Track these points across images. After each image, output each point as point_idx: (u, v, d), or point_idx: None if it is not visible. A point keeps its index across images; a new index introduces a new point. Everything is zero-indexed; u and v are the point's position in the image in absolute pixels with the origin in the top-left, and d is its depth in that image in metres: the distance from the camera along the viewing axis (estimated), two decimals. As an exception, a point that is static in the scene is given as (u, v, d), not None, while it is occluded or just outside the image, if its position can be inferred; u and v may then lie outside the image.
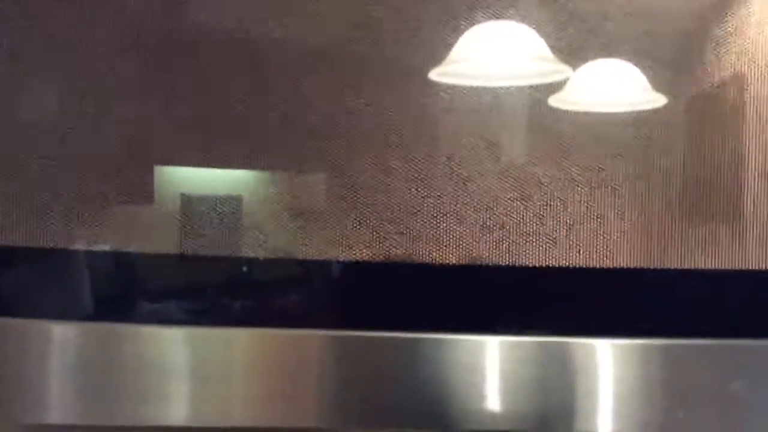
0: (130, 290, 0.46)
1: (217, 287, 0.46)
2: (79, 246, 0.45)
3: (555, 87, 0.46)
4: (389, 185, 0.45)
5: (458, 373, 0.45)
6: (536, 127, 0.46)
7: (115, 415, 0.45)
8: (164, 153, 0.45)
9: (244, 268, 0.46)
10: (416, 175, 0.45)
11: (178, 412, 0.45)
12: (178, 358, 0.45)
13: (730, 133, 0.45)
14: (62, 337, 0.45)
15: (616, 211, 0.45)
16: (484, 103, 0.46)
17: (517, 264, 0.45)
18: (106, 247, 0.45)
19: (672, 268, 0.46)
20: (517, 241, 0.45)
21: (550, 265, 0.45)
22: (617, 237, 0.45)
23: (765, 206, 0.45)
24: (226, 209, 0.45)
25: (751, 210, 0.45)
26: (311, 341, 0.45)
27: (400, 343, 0.45)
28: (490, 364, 0.45)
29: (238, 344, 0.45)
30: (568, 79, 0.46)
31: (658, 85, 0.45)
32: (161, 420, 0.45)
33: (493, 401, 0.45)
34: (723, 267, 0.45)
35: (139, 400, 0.45)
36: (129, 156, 0.45)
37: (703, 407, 0.46)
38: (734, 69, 0.45)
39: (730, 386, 0.45)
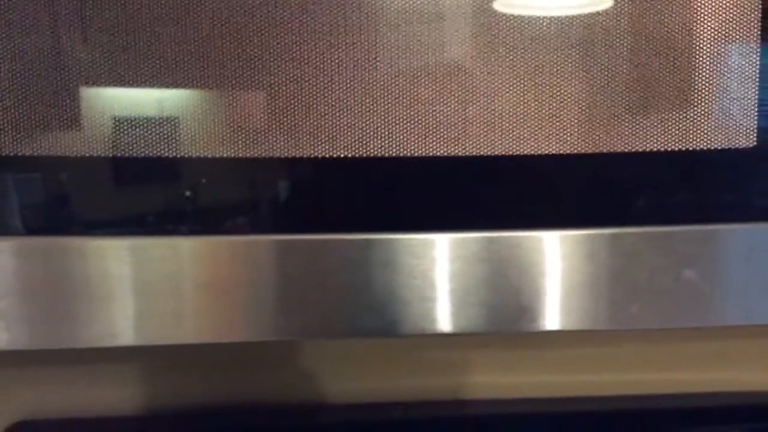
0: (66, 203, 0.44)
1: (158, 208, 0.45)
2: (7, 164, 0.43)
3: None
4: (331, 88, 0.44)
5: (407, 272, 0.44)
6: (480, 28, 0.45)
7: (61, 338, 0.44)
8: (91, 73, 0.43)
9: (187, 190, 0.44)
10: (358, 78, 0.44)
11: (126, 331, 0.44)
12: (123, 272, 0.43)
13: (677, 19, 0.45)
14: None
15: (559, 99, 0.44)
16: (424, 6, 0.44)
17: (461, 155, 0.44)
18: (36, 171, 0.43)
19: (617, 152, 0.45)
20: (462, 133, 0.45)
21: (496, 154, 0.44)
22: (562, 125, 0.45)
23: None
24: (161, 131, 0.43)
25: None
26: (259, 247, 0.44)
27: (350, 244, 0.44)
28: (440, 262, 0.45)
29: (184, 254, 0.44)
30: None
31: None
32: (108, 341, 0.44)
33: (443, 301, 0.45)
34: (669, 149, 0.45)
35: (86, 319, 0.43)
36: (53, 76, 0.42)
37: (652, 297, 0.46)
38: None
39: (682, 274, 0.45)
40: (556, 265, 0.45)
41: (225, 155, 0.44)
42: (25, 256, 0.43)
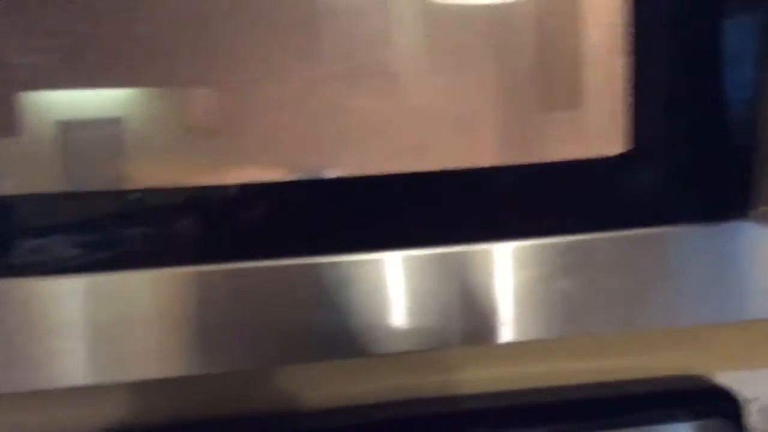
0: (10, 240, 0.42)
1: (107, 225, 0.43)
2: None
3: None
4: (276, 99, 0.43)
5: (359, 293, 0.45)
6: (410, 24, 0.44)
7: (9, 381, 0.42)
8: (30, 77, 0.40)
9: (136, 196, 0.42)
10: (305, 87, 0.43)
11: (79, 371, 0.42)
12: (75, 312, 0.42)
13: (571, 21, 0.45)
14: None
15: (474, 112, 0.45)
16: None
17: (399, 173, 0.45)
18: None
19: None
20: (398, 150, 0.44)
21: (425, 171, 0.45)
22: (477, 138, 0.45)
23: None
24: (107, 134, 0.41)
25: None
26: (213, 277, 0.43)
27: (305, 269, 0.44)
28: (392, 281, 0.45)
29: (139, 289, 0.42)
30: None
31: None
32: (59, 382, 0.42)
33: (399, 320, 0.45)
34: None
35: (34, 362, 0.42)
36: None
37: (599, 304, 0.47)
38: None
39: (557, 284, 0.46)
40: (507, 277, 0.46)
41: (169, 186, 0.43)
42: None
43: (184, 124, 0.42)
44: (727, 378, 0.64)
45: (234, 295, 0.43)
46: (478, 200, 0.46)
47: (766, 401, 0.65)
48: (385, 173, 0.44)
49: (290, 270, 0.44)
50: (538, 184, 0.46)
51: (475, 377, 0.62)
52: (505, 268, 0.46)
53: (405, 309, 0.45)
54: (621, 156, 0.46)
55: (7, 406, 0.55)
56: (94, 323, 0.42)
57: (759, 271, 0.48)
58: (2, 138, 0.40)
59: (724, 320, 0.48)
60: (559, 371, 0.63)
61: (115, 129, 0.41)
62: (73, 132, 0.40)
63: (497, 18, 0.45)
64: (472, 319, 0.46)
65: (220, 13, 0.41)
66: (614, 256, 0.47)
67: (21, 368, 0.42)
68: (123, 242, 0.42)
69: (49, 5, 0.39)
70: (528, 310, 0.47)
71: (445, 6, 0.44)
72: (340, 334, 0.45)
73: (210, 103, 0.42)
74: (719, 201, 0.48)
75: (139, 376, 0.43)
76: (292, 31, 0.42)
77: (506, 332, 0.47)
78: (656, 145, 0.47)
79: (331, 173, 0.44)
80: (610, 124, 0.46)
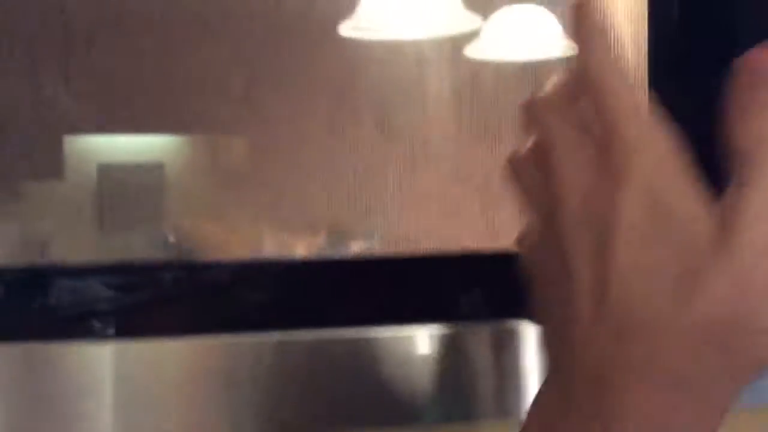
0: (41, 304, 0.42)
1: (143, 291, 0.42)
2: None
3: (470, 37, 0.45)
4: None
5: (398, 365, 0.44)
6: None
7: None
8: (74, 122, 0.40)
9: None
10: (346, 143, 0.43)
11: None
12: (106, 377, 0.41)
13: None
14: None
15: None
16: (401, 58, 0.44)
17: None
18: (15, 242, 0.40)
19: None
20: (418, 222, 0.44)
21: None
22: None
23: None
24: (147, 179, 0.41)
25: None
26: (257, 347, 0.42)
27: (344, 341, 0.43)
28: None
29: (171, 356, 0.42)
30: (480, 28, 0.45)
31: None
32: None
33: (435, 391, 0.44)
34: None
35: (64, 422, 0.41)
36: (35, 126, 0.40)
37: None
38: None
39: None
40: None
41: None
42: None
43: (223, 173, 0.42)
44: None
45: (271, 364, 0.43)
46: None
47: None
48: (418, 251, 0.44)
49: (329, 341, 0.43)
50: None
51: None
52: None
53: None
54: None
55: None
56: (126, 387, 0.41)
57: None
58: (47, 180, 0.39)
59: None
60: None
61: (156, 174, 0.41)
62: (114, 176, 0.40)
63: (526, 80, 0.45)
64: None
65: (262, 70, 0.42)
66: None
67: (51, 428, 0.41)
68: (157, 309, 0.42)
69: (96, 51, 0.39)
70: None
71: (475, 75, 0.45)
72: (380, 404, 0.43)
73: (248, 155, 0.42)
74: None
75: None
76: (327, 95, 0.43)
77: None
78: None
79: (363, 239, 0.44)
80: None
